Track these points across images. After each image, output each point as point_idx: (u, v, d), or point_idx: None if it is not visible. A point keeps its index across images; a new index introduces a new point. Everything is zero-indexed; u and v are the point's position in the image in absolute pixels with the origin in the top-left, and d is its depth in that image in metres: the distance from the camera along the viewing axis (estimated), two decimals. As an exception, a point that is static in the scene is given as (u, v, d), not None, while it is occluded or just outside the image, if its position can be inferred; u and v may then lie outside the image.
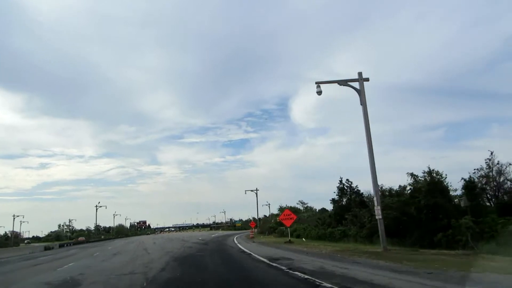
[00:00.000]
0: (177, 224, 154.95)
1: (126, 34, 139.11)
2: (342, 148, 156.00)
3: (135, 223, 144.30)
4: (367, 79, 16.61)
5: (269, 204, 79.67)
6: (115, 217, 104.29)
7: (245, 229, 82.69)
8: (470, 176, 25.32)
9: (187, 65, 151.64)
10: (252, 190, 59.05)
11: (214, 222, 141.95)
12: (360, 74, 16.70)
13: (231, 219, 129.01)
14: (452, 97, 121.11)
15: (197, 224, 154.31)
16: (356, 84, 16.58)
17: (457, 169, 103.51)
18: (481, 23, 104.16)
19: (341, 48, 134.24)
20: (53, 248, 47.01)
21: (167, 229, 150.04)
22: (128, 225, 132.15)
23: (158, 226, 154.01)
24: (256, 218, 71.50)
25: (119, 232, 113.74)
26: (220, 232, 79.76)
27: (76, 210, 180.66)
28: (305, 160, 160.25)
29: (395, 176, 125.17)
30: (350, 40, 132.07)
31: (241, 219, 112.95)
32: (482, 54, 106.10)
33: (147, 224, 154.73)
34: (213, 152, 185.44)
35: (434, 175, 26.19)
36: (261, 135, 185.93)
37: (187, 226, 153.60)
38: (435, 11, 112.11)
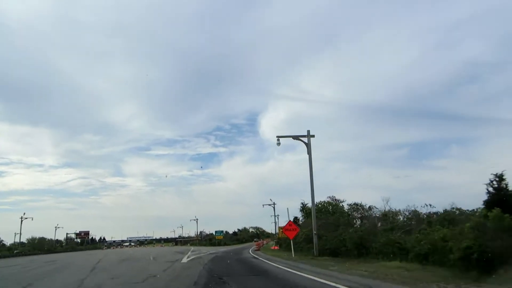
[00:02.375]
0: (133, 238, 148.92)
1: (95, 42, 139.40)
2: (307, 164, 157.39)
3: (75, 234, 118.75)
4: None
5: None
6: (56, 229, 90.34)
7: (227, 244, 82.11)
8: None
9: (156, 77, 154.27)
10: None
11: (180, 236, 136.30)
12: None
13: (201, 232, 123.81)
14: (416, 118, 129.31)
15: (161, 238, 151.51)
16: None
17: (420, 188, 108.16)
18: (443, 47, 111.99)
19: (309, 66, 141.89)
20: None
21: (127, 243, 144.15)
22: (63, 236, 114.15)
23: (115, 239, 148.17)
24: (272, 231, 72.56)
25: (36, 247, 76.78)
26: (193, 250, 62.72)
27: (32, 222, 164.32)
28: (273, 176, 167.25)
29: (363, 192, 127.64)
30: (318, 58, 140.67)
31: (226, 231, 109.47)
32: (442, 77, 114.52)
33: (93, 237, 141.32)
34: (181, 165, 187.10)
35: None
36: (230, 150, 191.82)
37: (146, 239, 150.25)
38: (399, 34, 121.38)
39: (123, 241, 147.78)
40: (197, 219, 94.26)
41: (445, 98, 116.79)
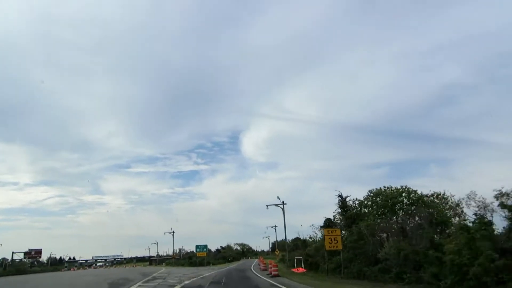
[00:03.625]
0: (101, 257, 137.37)
1: (75, 59, 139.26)
2: (291, 183, 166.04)
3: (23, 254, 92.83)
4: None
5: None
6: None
7: (211, 263, 67.40)
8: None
9: (137, 94, 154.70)
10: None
11: (158, 255, 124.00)
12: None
13: (180, 249, 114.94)
14: (395, 138, 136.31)
15: (136, 257, 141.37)
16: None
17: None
18: (421, 71, 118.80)
19: (292, 86, 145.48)
20: None
21: (101, 263, 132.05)
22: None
23: (88, 259, 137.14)
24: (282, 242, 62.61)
25: None
26: (160, 272, 55.28)
27: (5, 242, 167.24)
28: (255, 194, 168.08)
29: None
30: (301, 79, 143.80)
31: (207, 248, 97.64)
32: (421, 99, 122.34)
33: (62, 256, 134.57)
34: (162, 183, 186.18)
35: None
36: (212, 167, 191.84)
37: (115, 258, 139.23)
38: (379, 57, 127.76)
39: (96, 260, 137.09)
40: (173, 232, 77.90)
41: (423, 119, 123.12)
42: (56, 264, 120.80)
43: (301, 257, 26.53)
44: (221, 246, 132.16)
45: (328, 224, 27.95)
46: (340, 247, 19.26)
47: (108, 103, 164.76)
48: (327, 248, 20.42)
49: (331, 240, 19.20)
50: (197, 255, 63.13)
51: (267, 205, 23.93)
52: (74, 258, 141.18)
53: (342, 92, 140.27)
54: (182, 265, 72.80)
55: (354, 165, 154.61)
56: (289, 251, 54.17)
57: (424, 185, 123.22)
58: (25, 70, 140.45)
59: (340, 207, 27.93)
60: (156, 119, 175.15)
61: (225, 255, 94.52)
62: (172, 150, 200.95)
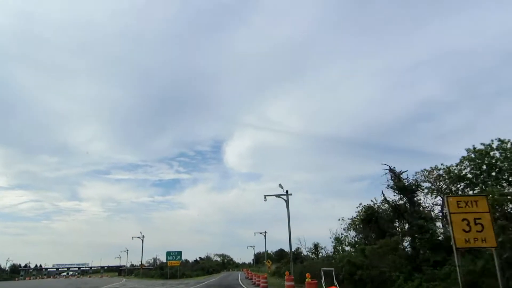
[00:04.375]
0: (63, 265, 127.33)
1: (57, 60, 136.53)
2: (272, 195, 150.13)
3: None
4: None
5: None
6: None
7: (187, 275, 56.58)
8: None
9: (120, 99, 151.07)
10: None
11: (132, 265, 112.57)
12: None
13: (154, 259, 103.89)
14: (377, 151, 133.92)
15: (108, 266, 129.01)
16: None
17: None
18: (400, 86, 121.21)
19: (275, 96, 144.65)
20: None
21: (72, 272, 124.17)
22: None
23: (58, 267, 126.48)
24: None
25: None
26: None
27: None
28: (237, 205, 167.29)
29: (324, 223, 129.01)
30: (284, 89, 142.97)
31: (185, 260, 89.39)
32: (401, 114, 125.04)
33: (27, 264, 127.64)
34: (141, 191, 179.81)
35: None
36: (193, 177, 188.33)
37: (83, 267, 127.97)
38: (361, 71, 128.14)
39: (69, 269, 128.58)
40: (142, 237, 65.22)
41: (404, 133, 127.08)
42: (18, 271, 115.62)
43: (332, 269, 15.98)
44: (199, 257, 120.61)
45: (371, 213, 17.62)
46: (492, 242, 8.41)
47: (90, 107, 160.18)
48: (459, 244, 8.26)
49: (468, 222, 7.81)
50: (168, 264, 50.74)
51: (265, 196, 21.01)
52: (41, 266, 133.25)
53: (325, 104, 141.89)
54: (152, 276, 61.11)
55: (336, 177, 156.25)
56: (285, 264, 43.67)
57: None
58: (3, 69, 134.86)
59: (393, 187, 17.71)
60: (138, 125, 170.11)
61: (204, 266, 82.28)
62: (154, 157, 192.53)
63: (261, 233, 63.87)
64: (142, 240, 68.49)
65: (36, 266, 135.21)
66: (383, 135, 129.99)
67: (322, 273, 17.78)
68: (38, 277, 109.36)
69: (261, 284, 22.26)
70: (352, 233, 28.13)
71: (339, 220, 28.02)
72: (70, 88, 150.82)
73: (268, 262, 48.37)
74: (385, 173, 19.61)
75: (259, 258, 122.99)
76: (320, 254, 32.55)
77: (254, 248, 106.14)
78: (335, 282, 16.00)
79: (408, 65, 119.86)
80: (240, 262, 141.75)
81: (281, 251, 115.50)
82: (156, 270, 65.24)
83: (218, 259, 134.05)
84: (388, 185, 18.57)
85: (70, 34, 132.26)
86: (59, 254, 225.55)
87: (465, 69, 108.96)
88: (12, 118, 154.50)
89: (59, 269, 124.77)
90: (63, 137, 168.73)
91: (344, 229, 28.48)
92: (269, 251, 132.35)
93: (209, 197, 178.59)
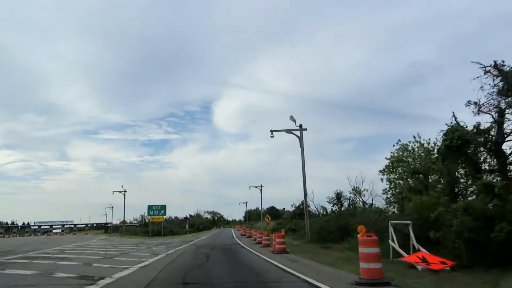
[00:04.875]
0: (46, 222, 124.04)
1: (41, 18, 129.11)
2: (262, 154, 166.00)
3: None
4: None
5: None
6: None
7: (174, 233, 52.05)
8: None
9: (108, 58, 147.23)
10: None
11: (121, 221, 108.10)
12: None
13: (142, 216, 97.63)
14: (364, 114, 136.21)
15: (90, 223, 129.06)
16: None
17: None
18: (391, 48, 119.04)
19: (265, 57, 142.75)
20: None
21: (59, 230, 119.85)
22: None
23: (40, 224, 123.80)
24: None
25: None
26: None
27: None
28: (226, 165, 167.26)
29: (314, 183, 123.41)
30: (274, 51, 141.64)
31: (174, 217, 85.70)
32: (391, 76, 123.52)
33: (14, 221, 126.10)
34: (131, 151, 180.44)
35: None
36: (183, 137, 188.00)
37: (68, 224, 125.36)
38: (350, 34, 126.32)
39: (51, 226, 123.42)
40: (124, 191, 58.16)
41: (392, 96, 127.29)
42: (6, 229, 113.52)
43: (409, 222, 8.86)
44: (189, 215, 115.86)
45: (461, 138, 10.25)
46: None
47: (76, 66, 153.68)
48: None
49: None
50: (151, 220, 43.98)
51: (271, 131, 20.98)
52: (28, 224, 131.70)
53: (315, 66, 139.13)
54: (136, 234, 54.87)
55: (325, 139, 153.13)
56: (289, 219, 37.46)
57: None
58: None
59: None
60: (127, 85, 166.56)
61: (194, 223, 76.80)
62: (143, 117, 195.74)
63: (256, 187, 59.04)
64: (124, 195, 61.57)
65: (23, 224, 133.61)
66: (372, 97, 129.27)
67: (391, 228, 10.57)
68: (18, 235, 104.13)
69: (276, 246, 15.35)
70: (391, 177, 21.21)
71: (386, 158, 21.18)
72: (54, 46, 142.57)
73: (267, 218, 42.01)
74: (478, 76, 12.04)
75: (250, 216, 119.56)
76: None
77: (246, 205, 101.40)
78: (417, 246, 9.01)
79: (398, 27, 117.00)
80: (231, 220, 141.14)
81: (272, 208, 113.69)
82: (140, 227, 58.96)
83: (209, 216, 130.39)
84: (492, 93, 11.05)
85: None
86: (48, 213, 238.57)
87: (453, 32, 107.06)
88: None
89: (41, 227, 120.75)
90: (50, 96, 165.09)
91: (383, 171, 21.41)
92: (259, 208, 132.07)
93: (198, 157, 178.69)
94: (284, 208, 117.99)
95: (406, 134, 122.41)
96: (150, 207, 40.68)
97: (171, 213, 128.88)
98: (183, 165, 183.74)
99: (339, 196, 24.05)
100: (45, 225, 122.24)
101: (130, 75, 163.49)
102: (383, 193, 21.84)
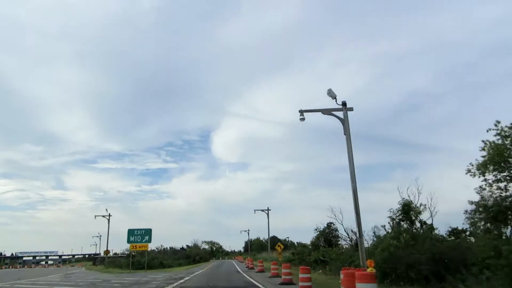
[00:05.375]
0: (28, 253, 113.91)
1: (39, 45, 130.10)
2: (261, 184, 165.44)
3: None
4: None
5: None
6: None
7: (165, 265, 44.73)
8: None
9: (105, 87, 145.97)
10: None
11: (105, 252, 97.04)
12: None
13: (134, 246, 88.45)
14: (364, 141, 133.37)
15: (78, 254, 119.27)
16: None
17: (365, 208, 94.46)
18: (390, 76, 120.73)
19: (263, 86, 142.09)
20: None
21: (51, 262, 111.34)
22: None
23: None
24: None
25: None
26: None
27: None
28: (224, 195, 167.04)
29: (311, 213, 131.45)
30: (272, 79, 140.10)
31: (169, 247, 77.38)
32: (390, 104, 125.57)
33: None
34: (129, 180, 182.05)
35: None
36: (181, 166, 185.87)
37: (52, 255, 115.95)
38: (350, 60, 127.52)
39: (47, 257, 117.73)
40: (109, 216, 49.91)
41: (392, 124, 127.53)
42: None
43: None
44: (187, 245, 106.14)
45: None
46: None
47: (74, 95, 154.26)
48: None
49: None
50: (131, 248, 34.90)
51: (301, 111, 15.22)
52: (13, 254, 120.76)
53: (314, 94, 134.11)
54: (120, 267, 45.83)
55: (323, 167, 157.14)
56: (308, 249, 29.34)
57: (389, 190, 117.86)
58: None
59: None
60: (125, 113, 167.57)
61: (190, 254, 67.38)
62: (141, 146, 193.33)
63: (263, 210, 50.34)
64: (108, 220, 53.24)
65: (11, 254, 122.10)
66: (371, 125, 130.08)
67: None
68: (10, 266, 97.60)
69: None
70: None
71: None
72: (52, 74, 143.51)
73: (279, 246, 33.47)
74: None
75: (251, 246, 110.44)
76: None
77: (248, 233, 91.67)
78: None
79: (397, 55, 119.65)
80: (230, 250, 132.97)
81: (273, 238, 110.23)
82: (127, 259, 49.82)
83: (206, 246, 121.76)
84: None
85: (52, 19, 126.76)
86: (41, 243, 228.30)
87: (452, 60, 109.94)
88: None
89: (23, 258, 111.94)
90: (48, 125, 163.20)
91: (475, 171, 13.78)
92: (260, 238, 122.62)
93: (196, 187, 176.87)
94: (287, 238, 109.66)
95: (405, 163, 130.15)
96: (130, 232, 30.90)
97: (168, 243, 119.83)
98: (181, 195, 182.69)
99: (407, 208, 15.67)
100: (27, 256, 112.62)
101: (127, 104, 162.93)
102: (476, 209, 14.08)
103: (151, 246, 64.41)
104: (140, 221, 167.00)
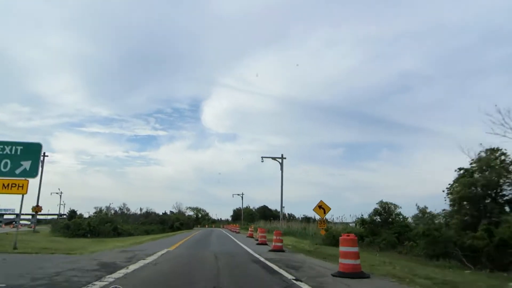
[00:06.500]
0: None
1: (29, 9, 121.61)
2: (249, 156, 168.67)
3: None
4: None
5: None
6: None
7: (132, 233, 30.58)
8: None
9: (95, 52, 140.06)
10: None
11: (35, 209, 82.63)
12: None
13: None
14: (353, 120, 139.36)
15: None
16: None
17: (351, 186, 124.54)
18: (381, 57, 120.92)
19: (255, 59, 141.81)
20: None
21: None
22: None
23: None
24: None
25: None
26: None
27: None
28: (212, 164, 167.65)
29: (298, 187, 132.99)
30: (265, 53, 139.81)
31: (146, 211, 57.14)
32: (379, 85, 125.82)
33: None
34: (117, 146, 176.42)
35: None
36: (170, 134, 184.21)
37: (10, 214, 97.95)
38: (342, 39, 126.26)
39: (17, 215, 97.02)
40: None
41: (381, 104, 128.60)
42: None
43: None
44: (171, 211, 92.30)
45: None
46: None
47: (63, 58, 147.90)
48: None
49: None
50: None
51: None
52: None
53: (305, 70, 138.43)
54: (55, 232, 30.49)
55: (312, 143, 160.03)
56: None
57: (375, 169, 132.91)
58: None
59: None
60: (114, 79, 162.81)
61: (165, 219, 52.52)
62: (130, 112, 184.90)
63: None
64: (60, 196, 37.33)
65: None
66: (360, 104, 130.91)
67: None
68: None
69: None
70: None
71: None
72: (41, 37, 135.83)
73: (322, 208, 18.34)
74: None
75: (240, 215, 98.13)
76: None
77: (242, 197, 77.68)
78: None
79: (389, 37, 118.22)
80: (217, 218, 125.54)
81: (264, 208, 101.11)
82: (69, 220, 34.38)
83: (191, 213, 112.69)
84: None
85: None
86: (24, 203, 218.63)
87: (443, 45, 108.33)
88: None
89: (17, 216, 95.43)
90: (35, 87, 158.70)
91: None
92: (250, 207, 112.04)
93: (185, 155, 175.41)
94: (276, 209, 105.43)
95: (391, 143, 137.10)
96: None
97: (154, 207, 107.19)
98: (170, 162, 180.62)
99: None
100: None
101: (118, 69, 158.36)
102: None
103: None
104: (128, 187, 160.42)
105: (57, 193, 69.12)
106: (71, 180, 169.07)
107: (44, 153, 35.86)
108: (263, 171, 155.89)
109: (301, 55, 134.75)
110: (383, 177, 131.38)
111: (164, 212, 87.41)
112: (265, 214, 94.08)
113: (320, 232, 18.68)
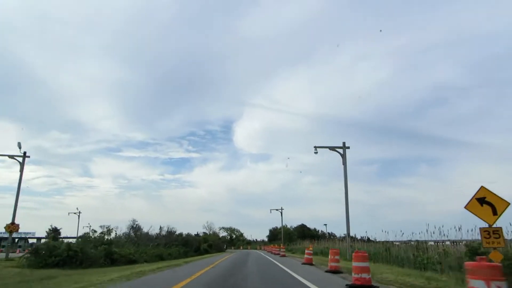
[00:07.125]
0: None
1: (65, 37, 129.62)
2: (281, 176, 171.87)
3: None
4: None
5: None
6: None
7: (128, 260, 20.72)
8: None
9: (130, 78, 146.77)
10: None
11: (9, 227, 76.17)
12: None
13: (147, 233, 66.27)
14: (387, 135, 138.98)
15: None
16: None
17: (389, 203, 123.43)
18: (415, 69, 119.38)
19: (285, 78, 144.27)
20: None
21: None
22: None
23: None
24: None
25: None
26: None
27: None
28: (245, 185, 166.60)
29: (334, 205, 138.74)
30: (294, 72, 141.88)
31: (170, 230, 48.88)
32: (413, 98, 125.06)
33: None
34: (152, 169, 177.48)
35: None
36: (203, 156, 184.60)
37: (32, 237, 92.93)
38: (373, 53, 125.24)
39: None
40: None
41: (416, 118, 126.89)
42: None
43: None
44: (203, 232, 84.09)
45: None
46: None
47: (100, 86, 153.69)
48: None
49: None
50: None
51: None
52: None
53: (336, 87, 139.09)
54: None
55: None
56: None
57: (413, 184, 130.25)
58: (9, 43, 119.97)
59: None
60: (149, 104, 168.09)
61: (188, 240, 42.99)
62: (164, 136, 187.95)
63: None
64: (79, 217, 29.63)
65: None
66: (394, 119, 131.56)
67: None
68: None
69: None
70: None
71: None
72: (79, 65, 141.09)
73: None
74: None
75: (277, 235, 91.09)
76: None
77: (282, 213, 67.35)
78: None
79: (422, 48, 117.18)
80: (252, 239, 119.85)
81: (302, 226, 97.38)
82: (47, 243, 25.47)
83: (225, 233, 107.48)
84: None
85: (78, 10, 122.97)
86: (66, 228, 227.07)
87: (479, 54, 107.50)
88: (20, 93, 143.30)
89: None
90: (74, 114, 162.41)
91: None
92: (288, 226, 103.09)
93: (218, 177, 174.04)
94: (315, 228, 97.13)
95: (429, 158, 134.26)
96: None
97: (186, 230, 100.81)
98: (203, 184, 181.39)
99: None
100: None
101: (150, 95, 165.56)
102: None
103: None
104: (162, 209, 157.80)
105: (75, 213, 61.85)
106: (109, 205, 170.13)
107: (25, 152, 28.32)
108: (296, 191, 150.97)
109: (330, 71, 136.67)
110: (423, 192, 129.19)
111: (196, 233, 79.03)
112: (304, 233, 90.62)
113: (490, 256, 8.45)
